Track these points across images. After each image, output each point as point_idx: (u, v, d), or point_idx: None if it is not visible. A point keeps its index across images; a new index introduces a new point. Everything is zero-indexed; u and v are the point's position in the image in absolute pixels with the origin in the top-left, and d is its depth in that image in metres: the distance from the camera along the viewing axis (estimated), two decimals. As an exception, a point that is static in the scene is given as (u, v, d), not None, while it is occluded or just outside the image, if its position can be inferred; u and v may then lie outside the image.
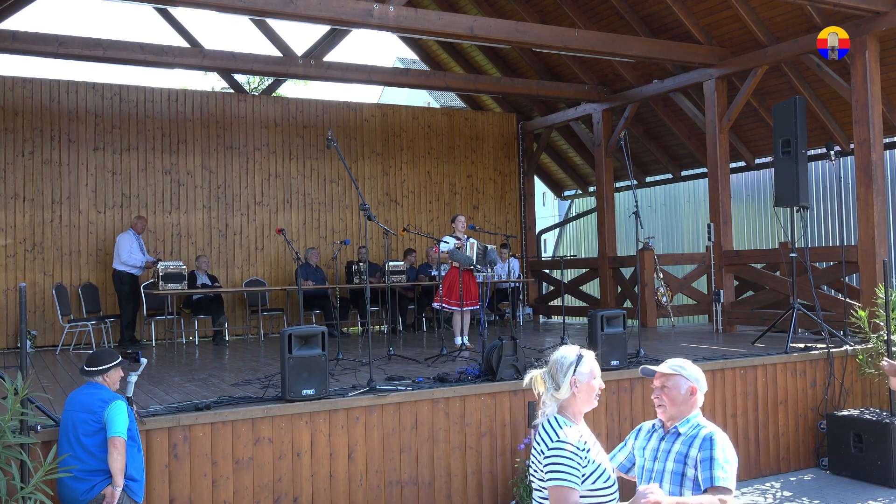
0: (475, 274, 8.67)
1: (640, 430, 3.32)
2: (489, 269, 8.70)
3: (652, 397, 3.23)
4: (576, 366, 3.07)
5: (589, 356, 3.12)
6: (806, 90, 10.34)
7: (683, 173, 13.69)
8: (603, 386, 3.15)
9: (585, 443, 2.96)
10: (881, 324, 7.41)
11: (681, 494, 2.98)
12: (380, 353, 8.12)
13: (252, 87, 20.11)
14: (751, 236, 13.21)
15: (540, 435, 3.02)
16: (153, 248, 10.90)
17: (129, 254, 9.92)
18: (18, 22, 46.44)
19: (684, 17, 9.92)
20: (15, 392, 4.19)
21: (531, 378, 3.14)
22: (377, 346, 9.06)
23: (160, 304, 10.27)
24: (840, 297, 8.86)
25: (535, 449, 3.03)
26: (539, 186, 16.67)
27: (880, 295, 7.46)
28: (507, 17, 11.66)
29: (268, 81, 14.13)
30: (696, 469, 2.97)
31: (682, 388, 3.11)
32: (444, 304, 8.79)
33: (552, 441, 2.95)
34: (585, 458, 2.93)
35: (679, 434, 3.09)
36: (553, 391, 3.04)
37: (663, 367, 3.18)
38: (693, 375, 3.14)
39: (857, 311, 7.60)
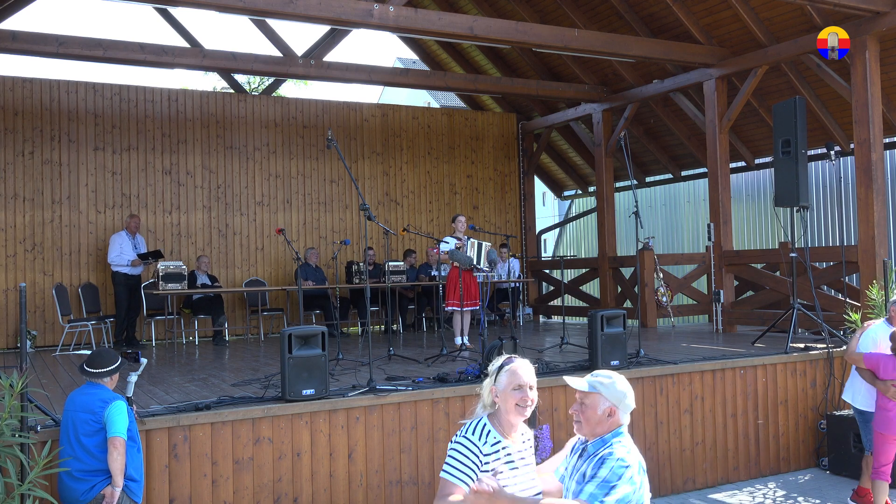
0: (475, 274, 8.67)
1: (574, 443, 3.14)
2: (489, 270, 8.70)
3: (570, 411, 3.04)
4: (496, 374, 3.01)
5: (516, 366, 3.03)
6: (806, 90, 10.34)
7: (683, 173, 13.69)
8: (529, 398, 3.01)
9: (503, 452, 2.99)
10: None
11: None
12: (380, 353, 8.12)
13: (252, 87, 20.11)
14: (751, 236, 13.21)
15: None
16: (153, 248, 10.89)
17: (118, 254, 9.90)
18: (18, 22, 46.43)
19: (684, 17, 9.92)
20: (11, 388, 4.18)
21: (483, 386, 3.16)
22: (377, 346, 9.06)
23: (160, 304, 10.27)
24: (840, 297, 8.86)
25: None
26: (539, 186, 16.67)
27: (871, 296, 7.46)
28: (507, 17, 11.66)
29: (268, 81, 14.13)
30: None
31: (600, 408, 2.85)
32: (445, 305, 8.80)
33: (458, 434, 3.01)
34: (485, 470, 2.92)
35: (591, 454, 2.89)
36: (484, 400, 3.07)
37: (582, 383, 2.92)
38: (614, 395, 2.87)
39: (850, 314, 7.59)
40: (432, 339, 10.24)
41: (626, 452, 2.80)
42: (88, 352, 4.95)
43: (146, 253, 10.05)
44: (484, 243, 8.68)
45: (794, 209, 8.49)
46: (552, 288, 13.78)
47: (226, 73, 12.18)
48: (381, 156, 12.78)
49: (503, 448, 2.98)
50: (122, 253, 9.91)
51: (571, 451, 3.07)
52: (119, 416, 4.34)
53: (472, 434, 3.00)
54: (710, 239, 10.23)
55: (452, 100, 20.99)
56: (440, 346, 8.18)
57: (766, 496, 6.55)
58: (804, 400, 7.41)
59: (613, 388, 2.87)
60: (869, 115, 8.40)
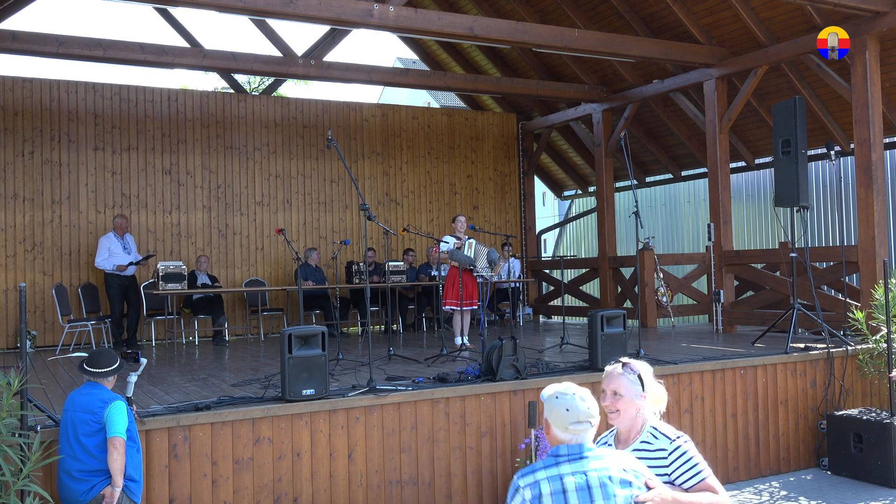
0: (475, 274, 8.67)
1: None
2: (489, 271, 8.69)
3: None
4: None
5: (608, 368, 3.16)
6: (806, 90, 10.34)
7: (683, 173, 13.69)
8: (608, 403, 3.13)
9: None
10: (877, 325, 7.40)
11: None
12: (380, 353, 8.12)
13: (252, 87, 20.11)
14: (751, 236, 13.20)
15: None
16: (153, 248, 10.89)
17: (105, 258, 9.82)
18: (18, 22, 46.43)
19: (684, 17, 9.92)
20: (8, 386, 4.18)
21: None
22: (377, 346, 9.06)
23: (160, 304, 10.26)
24: (840, 297, 8.86)
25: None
26: (539, 186, 16.67)
27: (877, 296, 7.45)
28: (507, 17, 11.65)
29: (268, 81, 14.13)
30: None
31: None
32: (443, 304, 8.80)
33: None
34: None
35: None
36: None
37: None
38: (545, 410, 2.81)
39: (854, 313, 7.59)
40: (432, 339, 10.24)
41: (527, 487, 2.66)
42: (84, 354, 4.93)
43: (138, 260, 9.98)
44: (487, 248, 8.68)
45: (794, 209, 8.48)
46: (552, 288, 13.77)
47: (226, 73, 12.18)
48: (381, 156, 12.78)
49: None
50: (111, 256, 9.83)
51: None
52: (119, 416, 4.34)
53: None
54: (710, 239, 10.23)
55: (452, 100, 20.99)
56: (440, 346, 8.18)
57: (767, 496, 6.55)
58: (804, 400, 7.41)
59: (546, 401, 2.81)
60: (869, 115, 8.39)
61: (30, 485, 4.17)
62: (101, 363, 4.55)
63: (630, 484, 2.69)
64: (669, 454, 2.99)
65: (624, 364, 3.10)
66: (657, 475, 2.92)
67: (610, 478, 2.66)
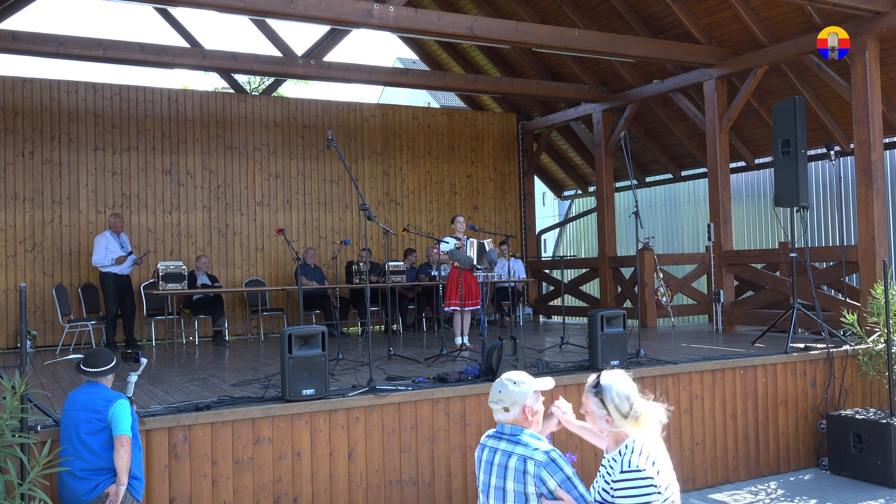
0: (475, 274, 8.67)
1: None
2: (489, 270, 8.69)
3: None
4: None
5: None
6: (806, 90, 10.34)
7: (683, 173, 13.69)
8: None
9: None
10: (871, 328, 7.40)
11: None
12: (380, 353, 8.12)
13: (252, 87, 20.11)
14: (751, 236, 13.21)
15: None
16: (153, 248, 10.90)
17: (103, 255, 9.66)
18: (18, 22, 46.47)
19: (684, 17, 9.92)
20: (13, 389, 4.18)
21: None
22: (377, 346, 9.06)
23: (160, 304, 10.26)
24: (840, 297, 8.86)
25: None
26: (539, 186, 16.67)
27: (873, 297, 7.43)
28: (507, 17, 11.66)
29: (268, 81, 14.12)
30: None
31: None
32: (445, 306, 8.80)
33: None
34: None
35: None
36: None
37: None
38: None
39: (847, 315, 7.55)
40: (432, 339, 10.24)
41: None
42: (79, 356, 4.93)
43: (135, 259, 9.92)
44: (485, 242, 8.69)
45: (794, 209, 8.49)
46: (552, 288, 13.77)
47: (226, 73, 12.17)
48: (381, 156, 12.78)
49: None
50: (108, 253, 9.68)
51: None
52: (124, 415, 4.36)
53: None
54: (710, 239, 10.23)
55: (452, 100, 20.99)
56: (440, 346, 8.19)
57: (766, 496, 6.55)
58: (804, 400, 7.41)
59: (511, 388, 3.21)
60: (869, 115, 8.39)
61: (35, 489, 4.17)
62: (99, 362, 4.56)
63: (524, 479, 2.95)
64: (618, 475, 2.81)
65: (597, 384, 2.93)
66: (602, 484, 2.89)
67: (506, 464, 3.02)
